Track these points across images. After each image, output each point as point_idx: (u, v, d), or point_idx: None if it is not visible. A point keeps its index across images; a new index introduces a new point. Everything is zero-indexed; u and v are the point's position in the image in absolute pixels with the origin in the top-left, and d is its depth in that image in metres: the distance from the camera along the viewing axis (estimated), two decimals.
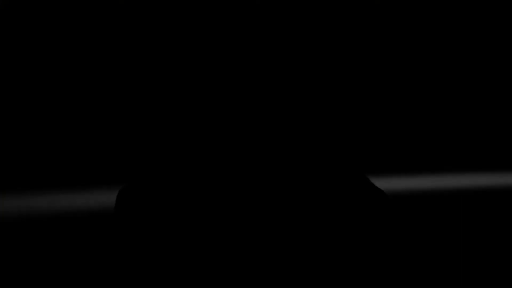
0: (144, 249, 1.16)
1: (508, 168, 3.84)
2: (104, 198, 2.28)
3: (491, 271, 0.81)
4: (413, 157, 4.28)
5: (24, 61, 3.34)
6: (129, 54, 3.45)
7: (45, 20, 3.29)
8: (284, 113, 1.49)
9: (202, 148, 1.53)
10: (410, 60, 4.21)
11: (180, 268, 0.97)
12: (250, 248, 1.13)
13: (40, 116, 3.40)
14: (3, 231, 1.39)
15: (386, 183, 2.79)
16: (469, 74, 4.37)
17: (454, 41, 4.29)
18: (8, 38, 3.26)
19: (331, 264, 0.98)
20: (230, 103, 1.59)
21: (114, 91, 3.50)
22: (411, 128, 4.27)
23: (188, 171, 1.54)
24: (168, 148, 3.34)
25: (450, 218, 1.50)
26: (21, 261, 0.96)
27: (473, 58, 4.35)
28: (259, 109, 1.49)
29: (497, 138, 4.39)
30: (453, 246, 1.03)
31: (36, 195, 2.35)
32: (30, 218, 1.64)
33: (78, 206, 2.00)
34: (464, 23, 4.27)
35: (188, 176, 1.51)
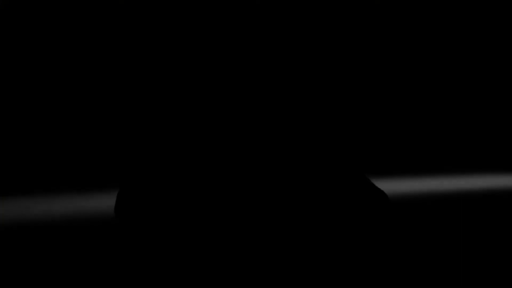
0: (144, 248, 1.16)
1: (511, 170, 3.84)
2: (104, 199, 2.28)
3: (491, 274, 0.80)
4: (414, 159, 4.27)
5: (24, 62, 3.34)
6: (129, 55, 3.45)
7: (45, 20, 3.29)
8: (286, 114, 1.48)
9: (202, 149, 1.52)
10: (411, 61, 4.20)
11: (180, 267, 0.97)
12: (250, 248, 1.13)
13: (38, 118, 3.40)
14: (2, 234, 1.39)
15: (387, 185, 2.78)
16: (470, 75, 4.37)
17: (455, 41, 4.28)
18: (8, 38, 3.25)
19: (331, 264, 0.98)
20: (230, 103, 1.59)
21: (114, 93, 3.50)
22: (414, 129, 4.27)
23: (187, 171, 1.54)
24: (167, 148, 3.33)
25: (451, 220, 1.49)
26: (20, 265, 0.95)
27: (474, 59, 4.34)
28: (260, 110, 1.49)
29: (500, 140, 4.39)
30: (454, 248, 1.03)
31: (35, 198, 2.34)
32: (30, 220, 1.63)
33: (77, 207, 2.00)
34: (464, 23, 4.26)
35: (187, 176, 1.50)
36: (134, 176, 1.52)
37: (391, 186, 2.69)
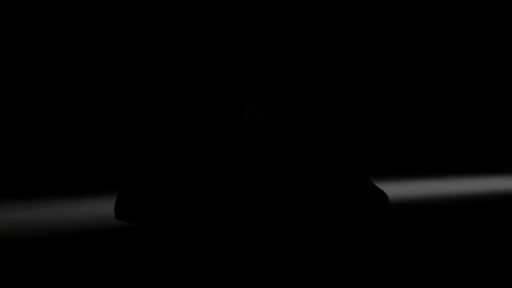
0: (144, 249, 1.16)
1: None
2: (104, 200, 2.28)
3: (491, 276, 0.80)
4: (416, 161, 4.27)
5: (24, 63, 3.34)
6: (127, 57, 3.45)
7: (45, 20, 3.29)
8: (287, 114, 1.48)
9: (201, 149, 1.52)
10: (413, 62, 4.20)
11: (180, 268, 0.97)
12: (250, 248, 1.13)
13: (36, 120, 3.39)
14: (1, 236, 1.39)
15: (388, 186, 2.78)
16: (470, 76, 4.37)
17: (455, 42, 4.28)
18: (8, 38, 3.25)
19: (331, 264, 0.97)
20: (229, 104, 1.58)
21: (113, 94, 3.50)
22: (417, 131, 4.26)
23: (187, 171, 1.53)
24: (168, 149, 3.34)
25: (452, 222, 1.49)
26: (21, 267, 0.95)
27: (475, 60, 4.34)
28: (260, 111, 1.49)
29: (502, 142, 4.39)
30: (454, 250, 1.03)
31: (34, 200, 2.35)
32: (29, 222, 1.63)
33: (77, 208, 2.00)
34: (464, 23, 4.26)
35: (187, 176, 1.50)
36: (134, 177, 1.52)
37: (392, 187, 2.68)
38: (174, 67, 3.38)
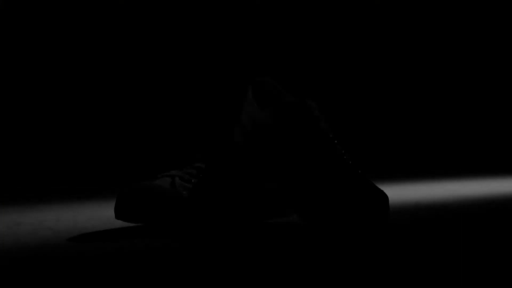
0: (144, 249, 1.16)
1: None
2: (104, 199, 2.27)
3: (491, 278, 0.80)
4: (419, 162, 4.27)
5: (23, 65, 3.34)
6: (127, 57, 3.45)
7: (45, 20, 3.29)
8: (287, 114, 1.48)
9: (201, 148, 1.52)
10: (415, 61, 4.20)
11: (180, 268, 0.96)
12: (250, 249, 1.13)
13: (36, 120, 3.39)
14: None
15: (388, 186, 2.78)
16: (472, 77, 4.37)
17: (458, 42, 4.28)
18: (8, 38, 3.25)
19: (329, 264, 0.97)
20: (228, 103, 1.58)
21: (112, 94, 3.50)
22: (419, 132, 4.26)
23: (187, 170, 1.53)
24: (168, 149, 3.34)
25: (453, 225, 1.49)
26: (20, 268, 0.95)
27: (476, 60, 4.34)
28: (259, 109, 1.49)
29: (505, 143, 4.38)
30: (454, 252, 1.02)
31: (35, 202, 2.35)
32: (29, 223, 1.63)
33: (76, 208, 1.99)
34: (464, 23, 4.26)
35: (187, 176, 1.50)
36: (135, 176, 1.51)
37: (392, 187, 2.68)
38: (174, 67, 3.38)
